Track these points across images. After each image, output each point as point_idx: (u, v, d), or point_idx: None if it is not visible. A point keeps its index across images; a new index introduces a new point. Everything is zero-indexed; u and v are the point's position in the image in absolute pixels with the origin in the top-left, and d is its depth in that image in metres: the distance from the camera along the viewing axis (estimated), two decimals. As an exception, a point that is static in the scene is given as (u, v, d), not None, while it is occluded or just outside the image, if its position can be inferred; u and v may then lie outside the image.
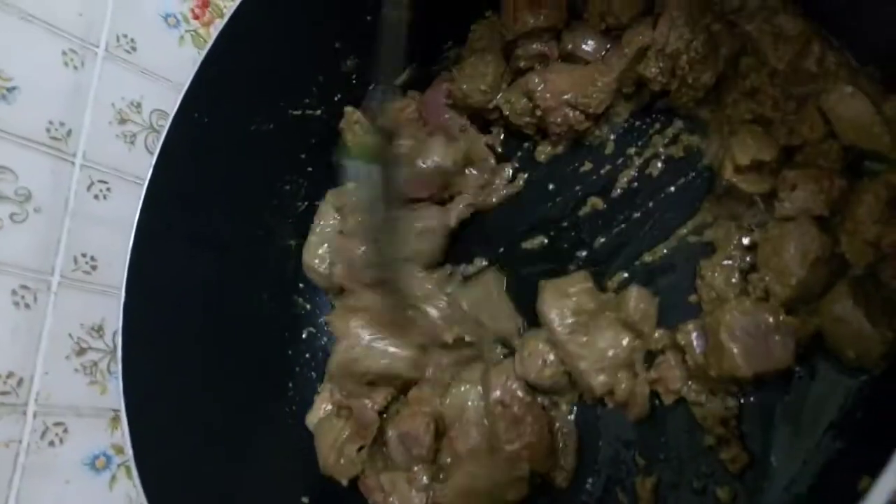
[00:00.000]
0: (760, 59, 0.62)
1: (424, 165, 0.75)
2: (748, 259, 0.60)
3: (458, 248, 0.78)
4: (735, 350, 0.52)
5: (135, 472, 0.62)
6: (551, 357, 0.64)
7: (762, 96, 0.62)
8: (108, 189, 0.78)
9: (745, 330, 0.52)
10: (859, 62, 0.55)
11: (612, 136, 0.72)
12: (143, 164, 0.80)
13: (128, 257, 0.69)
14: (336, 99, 0.80)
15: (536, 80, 0.72)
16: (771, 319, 0.52)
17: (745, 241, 0.60)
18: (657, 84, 0.68)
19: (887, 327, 0.47)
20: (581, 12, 0.72)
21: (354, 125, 0.79)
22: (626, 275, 0.67)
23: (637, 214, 0.69)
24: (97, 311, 0.76)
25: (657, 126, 0.70)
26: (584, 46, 0.71)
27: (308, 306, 0.83)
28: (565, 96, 0.71)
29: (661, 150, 0.69)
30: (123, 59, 0.80)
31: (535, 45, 0.72)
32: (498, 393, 0.63)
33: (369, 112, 0.77)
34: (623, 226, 0.70)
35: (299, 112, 0.78)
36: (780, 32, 0.58)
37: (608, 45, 0.70)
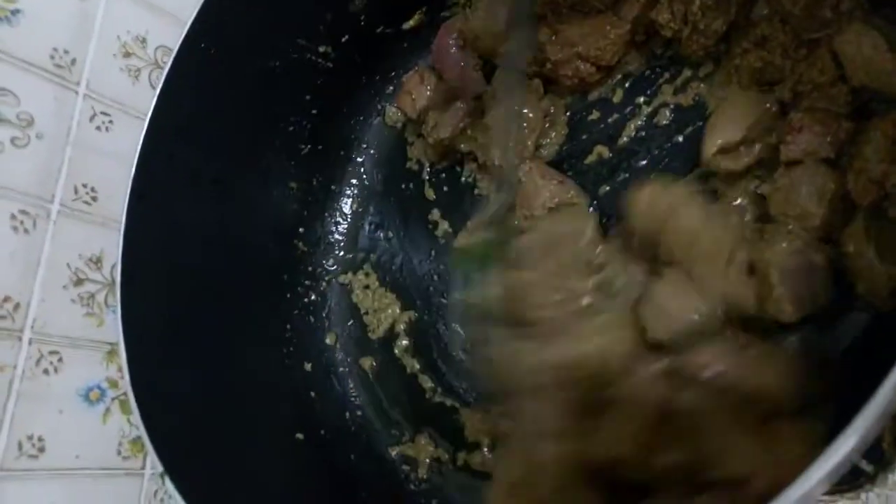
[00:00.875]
0: (773, 6, 0.61)
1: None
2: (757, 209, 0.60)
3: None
4: (783, 292, 0.51)
5: (133, 406, 0.61)
6: None
7: (772, 44, 0.61)
8: (110, 122, 0.77)
9: (792, 271, 0.51)
10: (873, 5, 0.54)
11: (621, 86, 0.72)
12: (146, 100, 0.78)
13: (128, 190, 0.68)
14: (343, 39, 0.79)
15: (547, 32, 0.72)
16: (818, 259, 0.51)
17: (752, 187, 0.60)
18: (669, 30, 0.67)
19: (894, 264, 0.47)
20: (593, -45, 0.72)
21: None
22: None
23: (643, 162, 0.68)
24: (96, 242, 0.75)
25: (667, 75, 0.69)
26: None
27: (307, 249, 0.83)
28: (576, 48, 0.70)
29: (669, 98, 0.69)
30: (131, -4, 0.79)
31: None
32: None
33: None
34: (627, 174, 0.69)
35: (306, 51, 0.78)
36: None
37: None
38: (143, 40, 0.81)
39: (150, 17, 0.81)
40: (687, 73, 0.68)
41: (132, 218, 0.67)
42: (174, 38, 0.81)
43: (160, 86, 0.70)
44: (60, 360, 0.70)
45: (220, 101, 0.74)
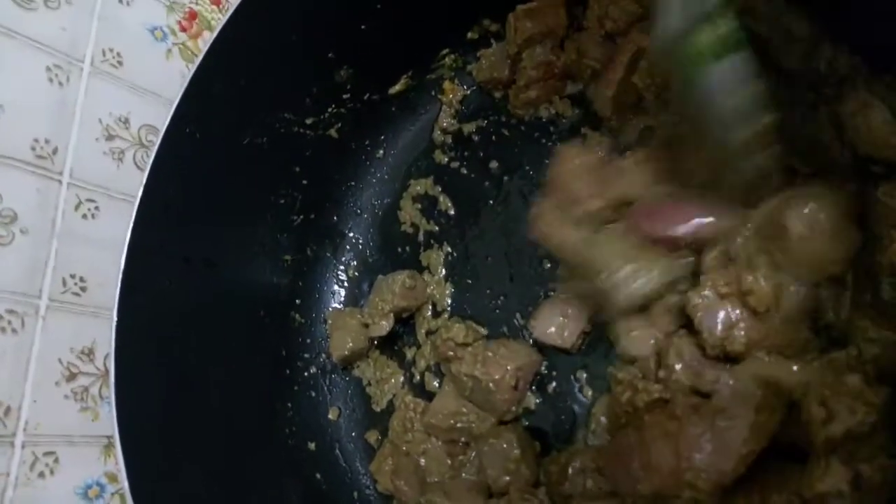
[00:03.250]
0: (765, 62, 0.60)
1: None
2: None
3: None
4: None
5: (129, 502, 0.59)
6: None
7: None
8: (96, 208, 0.75)
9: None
10: (871, 71, 0.53)
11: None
12: (133, 182, 0.78)
13: (119, 277, 0.66)
14: (330, 110, 0.78)
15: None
16: None
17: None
18: (651, 94, 0.66)
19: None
20: (582, 21, 0.71)
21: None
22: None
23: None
24: (87, 333, 0.73)
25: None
26: (588, 53, 0.70)
27: (304, 321, 0.81)
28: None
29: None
30: (110, 74, 0.78)
31: (538, 53, 0.71)
32: None
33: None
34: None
35: (293, 124, 0.76)
36: (790, 32, 0.57)
37: (610, 53, 0.69)
38: (126, 121, 0.79)
39: (131, 98, 0.80)
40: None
41: (124, 310, 0.65)
42: (158, 116, 0.81)
43: (147, 171, 0.68)
44: (56, 460, 0.68)
45: (209, 181, 0.72)
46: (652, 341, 0.60)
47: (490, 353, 0.66)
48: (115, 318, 0.65)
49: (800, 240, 0.52)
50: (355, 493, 0.75)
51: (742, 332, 0.55)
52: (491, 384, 0.65)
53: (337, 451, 0.77)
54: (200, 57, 0.69)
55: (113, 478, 0.72)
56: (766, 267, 0.55)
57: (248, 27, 0.69)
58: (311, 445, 0.76)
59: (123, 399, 0.64)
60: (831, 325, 0.54)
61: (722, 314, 0.56)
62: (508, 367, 0.65)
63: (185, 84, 0.68)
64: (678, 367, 0.56)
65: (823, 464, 0.45)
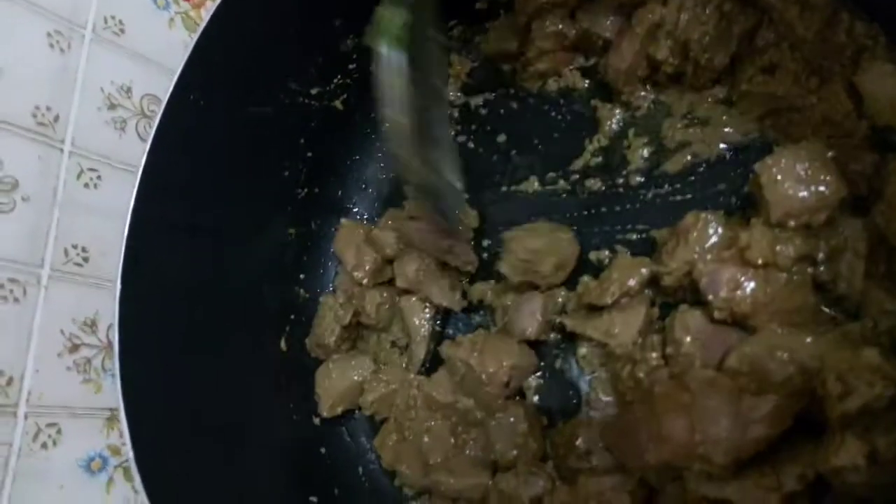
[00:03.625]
0: (781, 32, 0.59)
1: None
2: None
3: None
4: None
5: (135, 474, 0.58)
6: None
7: (781, 72, 0.60)
8: (98, 177, 0.74)
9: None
10: (890, 38, 0.52)
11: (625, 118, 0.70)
12: (135, 152, 0.77)
13: (122, 248, 0.65)
14: (335, 81, 0.77)
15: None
16: None
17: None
18: (670, 66, 0.65)
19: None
20: (594, -12, 0.70)
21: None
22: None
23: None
24: (90, 305, 0.72)
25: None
26: (601, 24, 0.68)
27: (308, 296, 0.80)
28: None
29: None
30: (112, 42, 0.77)
31: (548, 24, 0.70)
32: None
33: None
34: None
35: (298, 94, 0.75)
36: (806, 1, 0.56)
37: (623, 24, 0.68)
38: (128, 90, 0.78)
39: (133, 66, 0.79)
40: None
41: (127, 280, 0.65)
42: (160, 85, 0.80)
43: (150, 141, 0.67)
44: (59, 431, 0.67)
45: (213, 152, 0.71)
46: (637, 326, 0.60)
47: (489, 346, 0.65)
48: (119, 289, 0.65)
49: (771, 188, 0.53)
50: (360, 469, 0.74)
51: (747, 292, 0.54)
52: (483, 376, 0.64)
53: (342, 425, 0.76)
54: (203, 24, 0.67)
55: (116, 450, 0.71)
56: (760, 225, 0.56)
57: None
58: (316, 420, 0.75)
59: (128, 372, 0.63)
60: (844, 297, 0.54)
61: (726, 275, 0.56)
62: (504, 364, 0.64)
63: (188, 52, 0.67)
64: (687, 339, 0.56)
65: (839, 438, 0.45)
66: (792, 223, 0.54)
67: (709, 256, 0.57)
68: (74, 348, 0.70)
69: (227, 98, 0.70)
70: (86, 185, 0.73)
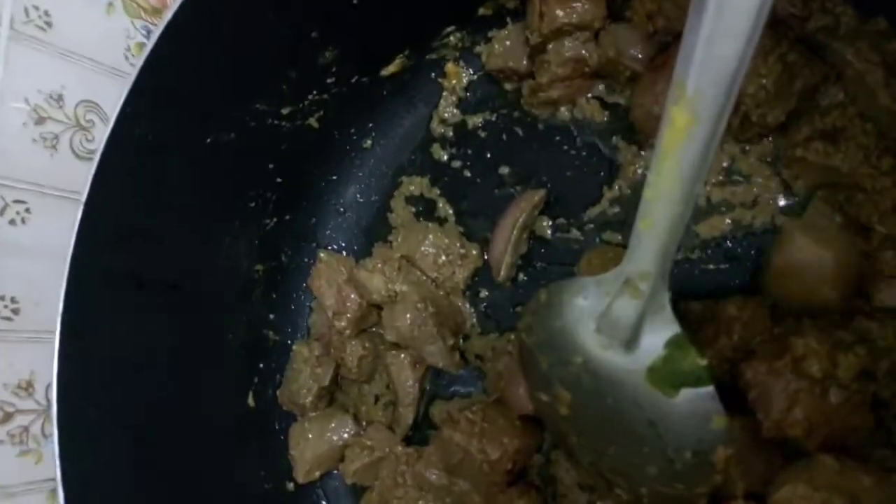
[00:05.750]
0: (852, 94, 0.50)
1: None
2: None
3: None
4: None
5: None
6: None
7: (847, 144, 0.51)
8: (26, 210, 0.63)
9: None
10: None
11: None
12: (70, 173, 0.66)
13: (61, 300, 0.56)
14: (311, 97, 0.65)
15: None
16: None
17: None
18: None
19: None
20: (623, 10, 0.59)
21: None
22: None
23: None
24: (23, 364, 0.62)
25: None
26: (629, 53, 0.58)
27: (278, 339, 0.71)
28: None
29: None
30: (36, 39, 0.63)
31: (567, 47, 0.59)
32: None
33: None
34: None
35: (267, 116, 0.63)
36: (894, 63, 0.46)
37: (656, 55, 0.57)
38: (59, 97, 0.65)
39: (64, 67, 0.65)
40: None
41: (67, 328, 0.56)
42: (98, 88, 0.67)
43: (91, 172, 0.56)
44: (-7, 517, 0.59)
45: (167, 183, 0.60)
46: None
47: (489, 424, 0.57)
48: (58, 343, 0.56)
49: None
50: (338, 539, 0.68)
51: (803, 411, 0.48)
52: (485, 465, 0.56)
53: (319, 488, 0.69)
54: (158, 33, 0.55)
55: (62, 527, 0.63)
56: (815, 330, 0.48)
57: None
58: (290, 486, 0.67)
59: (68, 437, 0.55)
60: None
61: (778, 388, 0.49)
62: (508, 448, 0.56)
63: (135, 74, 0.55)
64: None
65: None
66: None
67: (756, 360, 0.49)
68: (7, 417, 0.61)
69: (181, 126, 0.59)
70: (11, 222, 0.62)
